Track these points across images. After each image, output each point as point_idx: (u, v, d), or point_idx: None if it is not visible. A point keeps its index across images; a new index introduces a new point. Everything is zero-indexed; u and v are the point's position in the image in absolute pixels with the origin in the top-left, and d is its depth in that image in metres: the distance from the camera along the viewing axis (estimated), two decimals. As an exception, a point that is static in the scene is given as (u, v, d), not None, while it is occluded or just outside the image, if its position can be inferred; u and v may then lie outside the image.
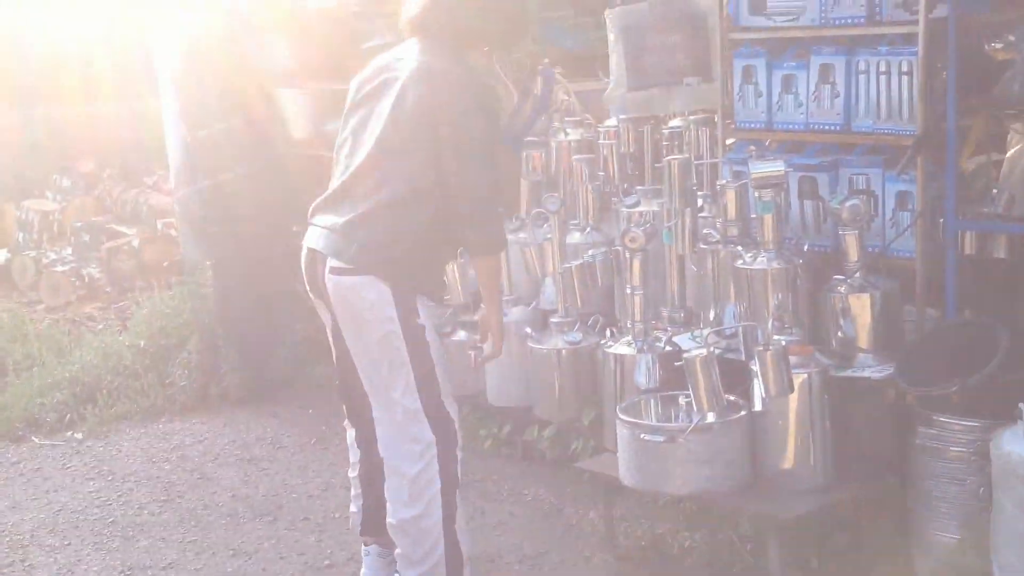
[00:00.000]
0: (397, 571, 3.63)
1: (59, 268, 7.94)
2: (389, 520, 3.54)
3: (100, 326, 6.98)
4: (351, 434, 3.80)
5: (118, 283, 7.84)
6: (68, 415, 5.64)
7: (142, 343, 5.97)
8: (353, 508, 3.81)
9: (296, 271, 3.72)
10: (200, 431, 5.42)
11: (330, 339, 3.72)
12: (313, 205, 3.62)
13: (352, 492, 3.80)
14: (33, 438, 5.50)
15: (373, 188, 3.46)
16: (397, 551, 3.58)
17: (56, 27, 10.59)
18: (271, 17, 5.99)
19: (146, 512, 4.64)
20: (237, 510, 4.53)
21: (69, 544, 4.40)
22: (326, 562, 4.15)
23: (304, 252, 3.58)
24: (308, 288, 3.62)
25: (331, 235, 3.49)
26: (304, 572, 4.09)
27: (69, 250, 8.47)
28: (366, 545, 3.80)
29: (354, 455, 3.78)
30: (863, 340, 3.78)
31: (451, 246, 3.71)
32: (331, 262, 3.46)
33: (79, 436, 5.49)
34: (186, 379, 5.75)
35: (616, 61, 4.43)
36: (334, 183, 3.59)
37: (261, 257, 5.82)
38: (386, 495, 3.55)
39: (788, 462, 3.67)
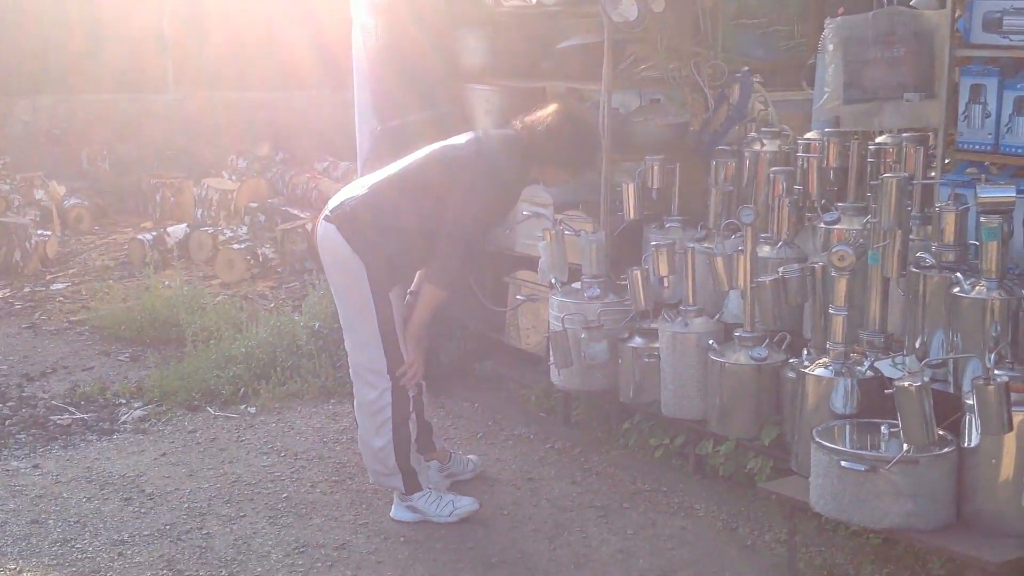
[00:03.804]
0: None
1: (235, 246, 8.13)
2: (359, 434, 4.39)
3: (271, 304, 7.11)
4: None
5: (290, 264, 7.99)
6: (243, 389, 5.73)
7: (316, 324, 6.05)
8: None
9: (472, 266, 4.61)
10: (369, 416, 5.44)
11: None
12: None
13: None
14: (209, 408, 5.61)
15: (391, 177, 4.29)
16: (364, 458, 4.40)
17: (244, 11, 10.89)
18: (466, 13, 5.99)
19: (318, 491, 4.67)
20: (406, 498, 4.51)
21: (244, 516, 4.46)
22: (494, 559, 4.10)
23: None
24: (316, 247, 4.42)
25: (336, 197, 4.32)
26: (474, 567, 4.05)
27: (244, 229, 8.68)
28: (426, 461, 4.54)
29: None
30: (1087, 381, 3.55)
31: (417, 257, 4.32)
32: (325, 211, 4.27)
33: (252, 410, 5.58)
34: (357, 364, 5.78)
35: (833, 72, 4.28)
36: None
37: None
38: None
39: (997, 503, 3.48)
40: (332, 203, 4.33)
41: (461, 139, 4.40)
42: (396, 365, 4.27)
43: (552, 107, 4.39)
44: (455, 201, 4.19)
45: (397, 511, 4.39)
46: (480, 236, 4.39)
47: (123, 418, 5.52)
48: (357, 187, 4.37)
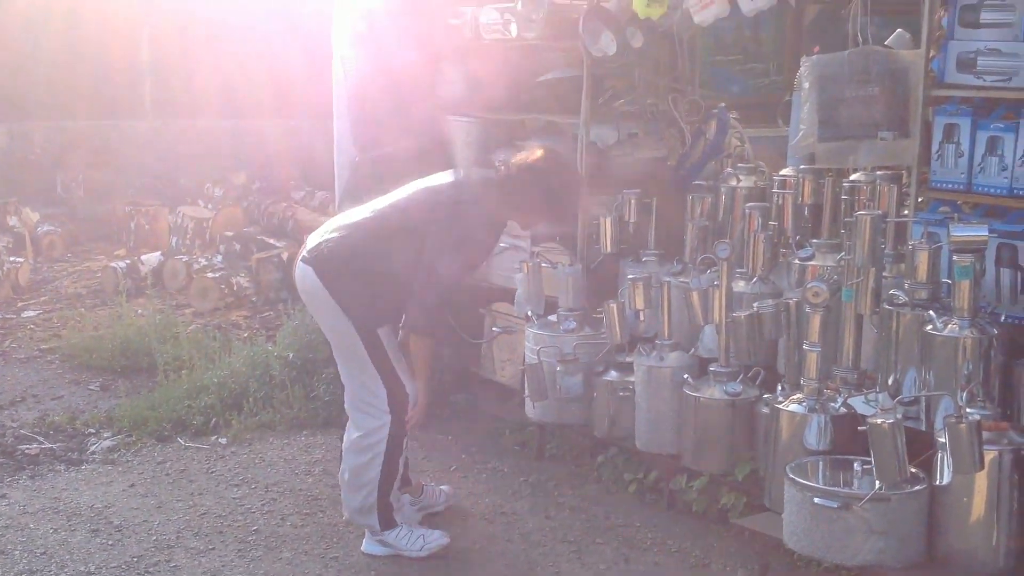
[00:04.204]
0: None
1: (209, 275, 8.08)
2: (342, 469, 4.33)
3: (245, 334, 7.07)
4: None
5: (265, 294, 7.95)
6: (214, 419, 5.68)
7: (290, 355, 6.00)
8: None
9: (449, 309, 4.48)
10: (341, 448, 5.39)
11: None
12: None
13: None
14: (179, 439, 5.56)
15: (368, 217, 4.27)
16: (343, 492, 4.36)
17: (224, 39, 10.89)
18: (447, 45, 6.01)
19: (288, 523, 4.63)
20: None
21: (213, 548, 4.41)
22: (467, 594, 4.07)
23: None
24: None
25: (314, 236, 4.31)
26: (446, 602, 4.02)
27: (219, 258, 8.63)
28: (401, 493, 4.49)
29: None
30: (1059, 421, 3.58)
31: (397, 300, 4.24)
32: (303, 252, 4.27)
33: (223, 441, 5.53)
34: (330, 394, 5.74)
35: (808, 110, 4.31)
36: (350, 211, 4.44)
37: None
38: (343, 443, 4.32)
39: (968, 542, 3.48)
40: (310, 242, 4.30)
41: (441, 181, 4.36)
42: (396, 398, 4.22)
43: (537, 152, 4.32)
44: (432, 245, 4.13)
45: (368, 545, 4.36)
46: (456, 281, 4.28)
47: (92, 448, 5.45)
48: (334, 226, 4.33)
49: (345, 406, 4.36)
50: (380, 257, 4.19)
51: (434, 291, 4.16)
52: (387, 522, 4.31)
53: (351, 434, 4.29)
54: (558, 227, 4.78)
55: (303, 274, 4.24)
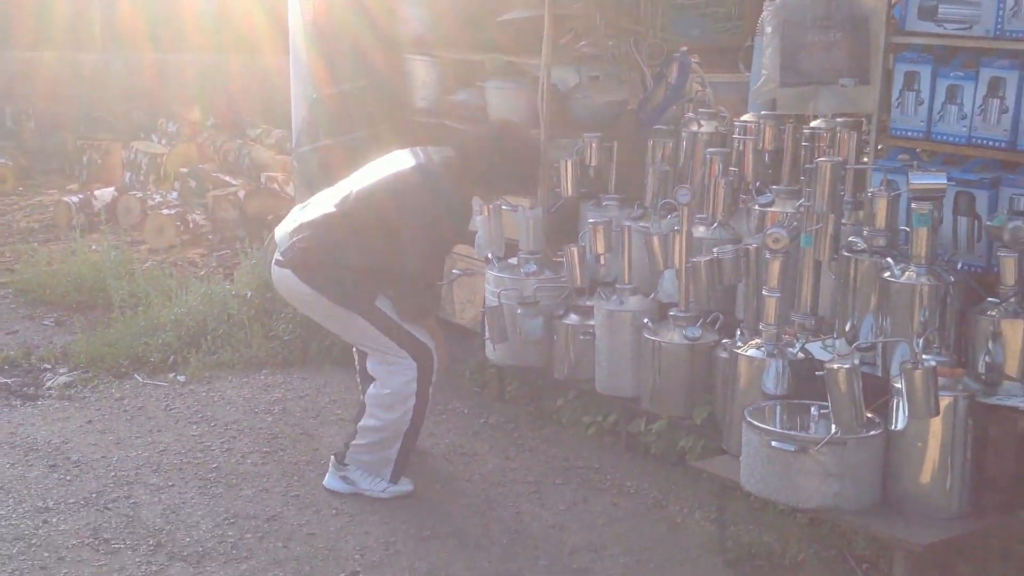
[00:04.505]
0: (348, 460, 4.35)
1: (165, 211, 7.99)
2: (366, 421, 4.27)
3: (202, 272, 7.01)
4: (360, 362, 4.48)
5: (221, 232, 7.88)
6: (172, 357, 5.65)
7: (248, 294, 5.97)
8: None
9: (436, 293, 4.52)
10: (301, 387, 5.41)
11: None
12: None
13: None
14: (137, 376, 5.53)
15: (336, 210, 4.23)
16: (358, 441, 4.30)
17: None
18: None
19: (248, 462, 4.63)
20: (338, 470, 4.49)
21: (173, 485, 4.41)
22: (427, 533, 4.11)
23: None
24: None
25: (283, 231, 4.28)
26: (406, 541, 4.05)
27: (175, 194, 8.53)
28: None
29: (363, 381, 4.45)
30: (1012, 367, 3.64)
31: (380, 281, 4.25)
32: (276, 254, 4.24)
33: (181, 379, 5.51)
34: (289, 334, 5.74)
35: (770, 55, 4.32)
36: (310, 199, 4.42)
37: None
38: (366, 399, 4.28)
39: (923, 486, 3.55)
40: (280, 243, 4.26)
41: (402, 166, 4.32)
42: (418, 354, 4.24)
43: (487, 128, 4.44)
44: (407, 236, 4.16)
45: (331, 480, 4.38)
46: (437, 266, 4.37)
47: (48, 384, 5.42)
48: (302, 222, 4.28)
49: (368, 368, 4.33)
50: (357, 252, 4.18)
51: (418, 281, 4.23)
52: (397, 475, 4.34)
53: (380, 390, 4.27)
54: (521, 193, 4.77)
55: (282, 277, 4.25)
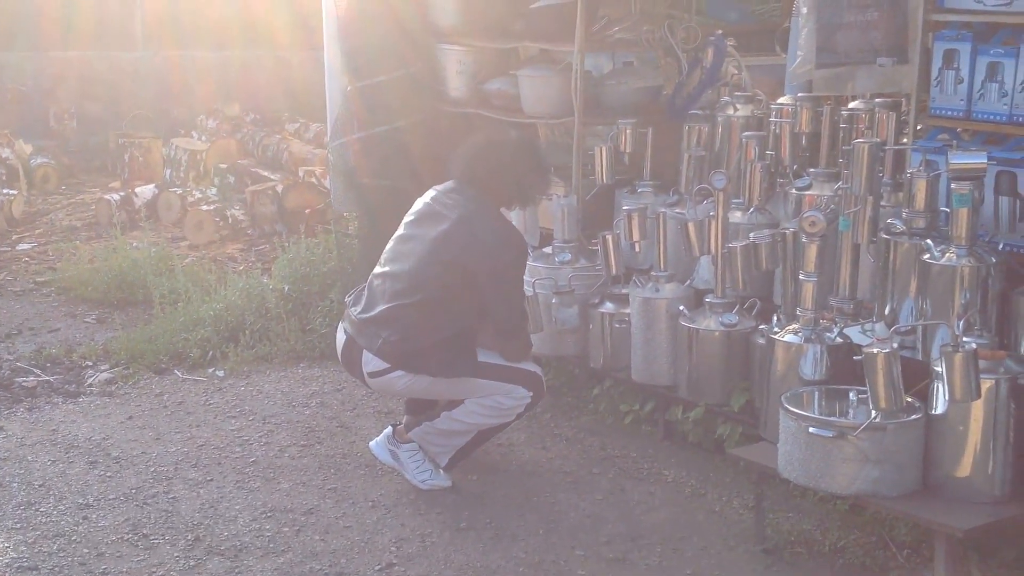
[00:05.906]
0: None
1: (204, 207, 8.03)
2: (458, 414, 4.27)
3: (241, 267, 7.05)
4: None
5: (260, 226, 7.91)
6: (211, 352, 5.68)
7: (286, 288, 5.99)
8: None
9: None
10: (339, 380, 5.40)
11: None
12: (349, 295, 4.42)
13: None
14: (176, 371, 5.56)
15: (405, 292, 4.17)
16: (438, 425, 4.31)
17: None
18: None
19: (286, 455, 4.64)
20: (375, 463, 4.48)
21: (212, 480, 4.43)
22: (463, 524, 4.09)
23: (341, 335, 4.34)
24: (343, 365, 4.42)
25: (363, 325, 4.22)
26: (443, 532, 4.04)
27: (214, 190, 8.58)
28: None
29: None
30: (1055, 349, 3.57)
31: (474, 338, 4.28)
32: (366, 364, 4.20)
33: (220, 374, 5.53)
34: (327, 327, 5.74)
35: (806, 36, 4.24)
36: (373, 280, 4.32)
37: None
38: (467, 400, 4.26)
39: (964, 471, 3.49)
40: (360, 337, 4.20)
41: (441, 224, 4.20)
42: (530, 384, 4.27)
43: (472, 148, 4.36)
44: (487, 290, 4.17)
45: (379, 449, 4.39)
46: (520, 299, 4.32)
47: (89, 380, 5.46)
48: (375, 312, 4.20)
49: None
50: (447, 323, 4.17)
51: (515, 327, 4.28)
52: (452, 466, 4.36)
53: (487, 402, 4.27)
54: (547, 183, 4.62)
55: (377, 376, 4.21)
